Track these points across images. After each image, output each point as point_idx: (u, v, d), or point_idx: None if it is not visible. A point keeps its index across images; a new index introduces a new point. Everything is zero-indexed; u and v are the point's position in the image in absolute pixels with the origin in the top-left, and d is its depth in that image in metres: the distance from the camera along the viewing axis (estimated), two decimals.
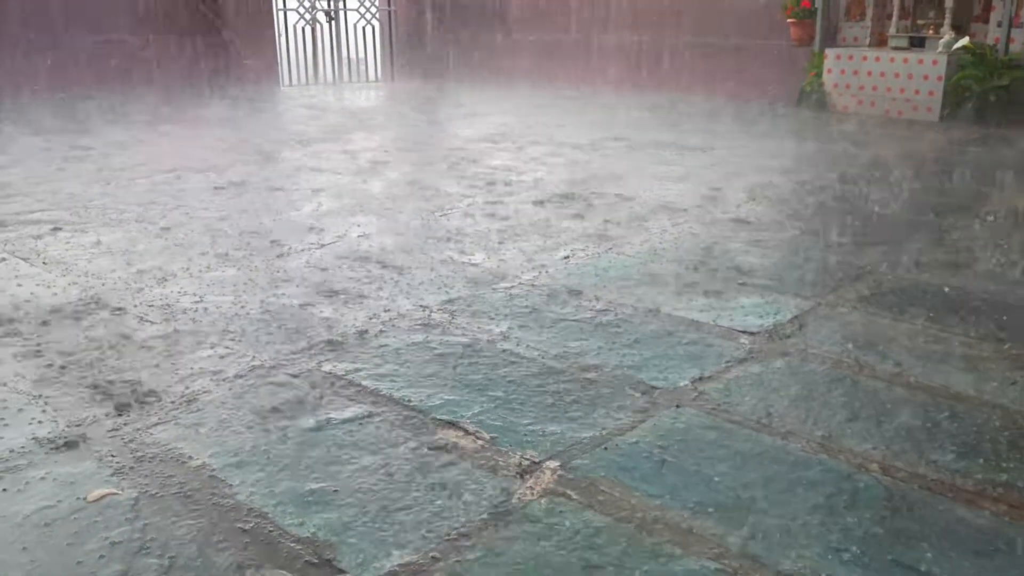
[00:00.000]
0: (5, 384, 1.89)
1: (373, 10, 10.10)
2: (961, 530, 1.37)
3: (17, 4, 7.69)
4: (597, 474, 1.52)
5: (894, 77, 6.64)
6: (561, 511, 1.41)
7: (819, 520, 1.39)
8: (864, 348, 2.11)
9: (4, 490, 1.48)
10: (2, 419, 1.73)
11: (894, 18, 6.92)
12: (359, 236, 3.16)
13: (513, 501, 1.45)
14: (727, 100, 7.73)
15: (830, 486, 1.49)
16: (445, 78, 10.16)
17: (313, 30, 9.68)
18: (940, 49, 6.48)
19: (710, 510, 1.42)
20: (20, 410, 1.77)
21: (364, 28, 10.07)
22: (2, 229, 3.25)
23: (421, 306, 2.41)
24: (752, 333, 2.20)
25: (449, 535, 1.35)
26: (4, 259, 2.86)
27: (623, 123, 6.42)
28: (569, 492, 1.47)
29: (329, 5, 9.76)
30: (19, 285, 2.59)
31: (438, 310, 2.38)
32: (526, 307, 2.40)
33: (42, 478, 1.52)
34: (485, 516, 1.40)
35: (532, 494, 1.46)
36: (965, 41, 6.43)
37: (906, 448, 1.63)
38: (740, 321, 2.29)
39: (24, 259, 2.86)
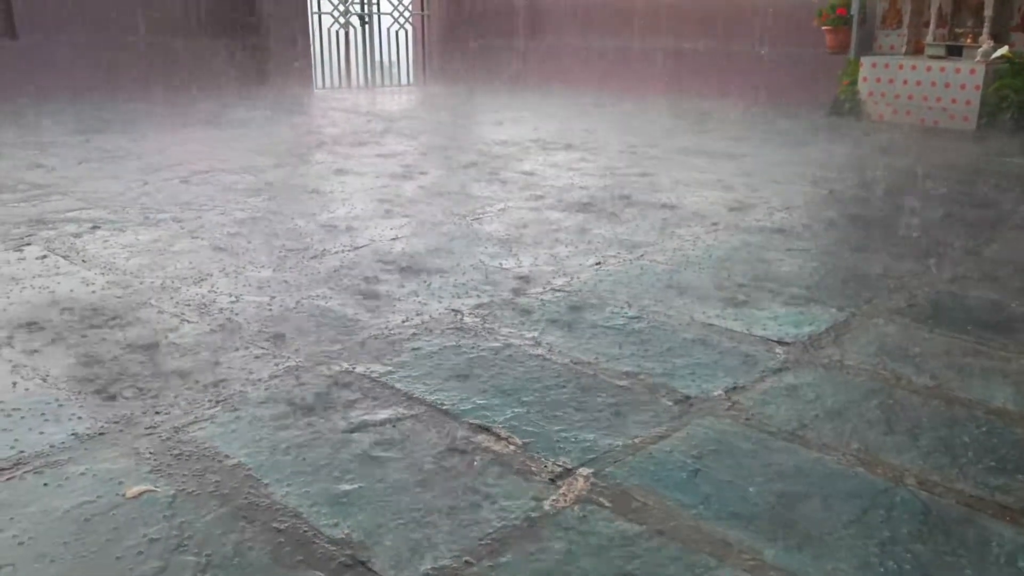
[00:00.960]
0: (45, 380, 1.93)
1: (406, 14, 10.15)
2: (1001, 548, 1.35)
3: (51, 6, 7.83)
4: (631, 482, 1.52)
5: (931, 86, 6.56)
6: (594, 519, 1.41)
7: (855, 534, 1.37)
8: (900, 360, 2.09)
9: (45, 484, 1.50)
10: (43, 415, 1.76)
11: (931, 26, 6.84)
12: (392, 239, 3.18)
13: (546, 508, 1.45)
14: (759, 107, 7.68)
15: (866, 499, 1.47)
16: (477, 83, 10.19)
17: (347, 34, 9.75)
18: (978, 58, 6.40)
19: (745, 521, 1.41)
20: (60, 405, 1.80)
21: (397, 32, 10.13)
22: (43, 227, 3.30)
23: (453, 310, 2.42)
24: (786, 343, 2.19)
25: (483, 540, 1.35)
26: (45, 256, 2.91)
27: (655, 129, 6.41)
28: (602, 500, 1.47)
29: (363, 9, 9.83)
30: (59, 282, 2.63)
31: (470, 314, 2.39)
32: (557, 313, 2.40)
33: (82, 473, 1.54)
34: (518, 522, 1.40)
35: (565, 501, 1.46)
36: (1004, 50, 6.35)
37: (944, 463, 1.61)
38: (774, 330, 2.27)
39: (64, 256, 2.91)
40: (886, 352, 2.14)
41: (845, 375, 2.00)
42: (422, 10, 10.37)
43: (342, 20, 9.66)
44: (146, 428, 1.71)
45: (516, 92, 9.31)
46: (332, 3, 9.55)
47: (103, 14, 8.09)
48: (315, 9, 9.42)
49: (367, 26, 9.91)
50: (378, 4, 9.91)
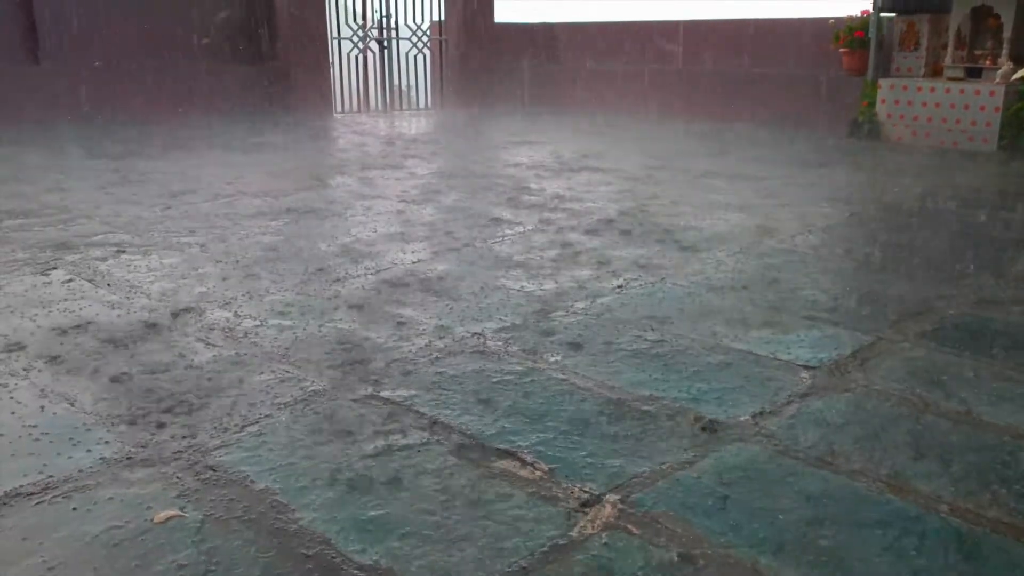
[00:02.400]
0: (73, 404, 1.94)
1: (424, 39, 10.24)
2: None
3: (74, 31, 7.95)
4: (659, 509, 1.51)
5: (950, 108, 6.54)
6: (622, 546, 1.40)
7: (888, 562, 1.36)
8: (928, 385, 2.07)
9: (74, 509, 1.51)
10: (71, 439, 1.77)
11: (949, 48, 6.83)
12: (413, 262, 3.19)
13: (573, 535, 1.44)
14: (778, 129, 7.68)
15: (898, 526, 1.46)
16: (494, 106, 10.25)
17: (365, 58, 9.84)
18: (997, 80, 6.38)
19: (775, 548, 1.39)
20: (88, 430, 1.81)
21: (415, 57, 10.22)
22: (68, 251, 3.34)
23: (476, 334, 2.42)
24: (812, 367, 2.17)
25: (509, 568, 1.34)
26: (71, 280, 2.94)
27: (673, 151, 6.41)
28: (630, 527, 1.46)
29: (381, 34, 9.93)
30: (85, 306, 2.65)
31: (493, 338, 2.39)
32: (580, 336, 2.40)
33: (110, 498, 1.55)
34: (546, 549, 1.40)
35: (592, 528, 1.45)
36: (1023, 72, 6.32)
37: (975, 489, 1.59)
38: (800, 354, 2.26)
39: (89, 280, 2.93)
40: (913, 376, 2.12)
41: (872, 400, 1.98)
42: (440, 35, 10.46)
43: (361, 45, 9.76)
44: (173, 453, 1.71)
45: (533, 115, 9.35)
46: (351, 28, 9.66)
47: (124, 40, 8.21)
48: (335, 34, 9.53)
49: (386, 51, 10.01)
50: (396, 29, 10.01)
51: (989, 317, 2.59)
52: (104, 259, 3.22)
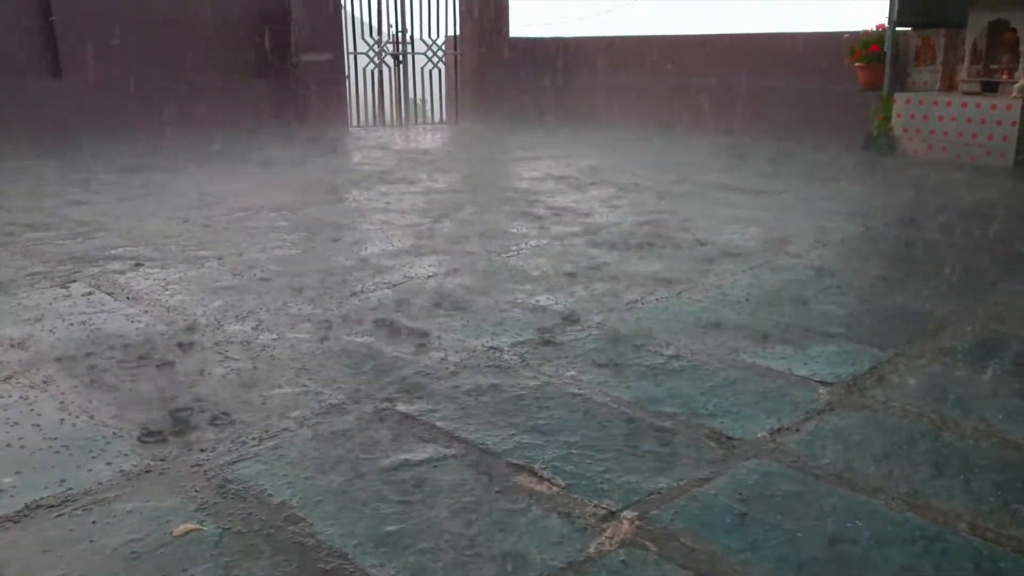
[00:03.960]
0: (92, 417, 1.95)
1: (440, 54, 10.30)
2: None
3: (93, 45, 8.04)
4: (676, 526, 1.51)
5: (966, 122, 6.51)
6: (640, 564, 1.40)
7: None
8: (947, 402, 2.05)
9: (94, 522, 1.52)
10: (90, 451, 1.79)
11: (965, 62, 6.81)
12: (428, 276, 3.20)
13: (590, 551, 1.43)
14: (793, 143, 7.67)
15: (918, 545, 1.45)
16: (509, 121, 10.29)
17: (381, 73, 9.90)
18: (1014, 94, 6.35)
19: (795, 567, 1.39)
20: (108, 443, 1.82)
21: (431, 71, 10.27)
22: (87, 264, 3.37)
23: (491, 348, 2.42)
24: (829, 384, 2.16)
25: None
26: (90, 293, 2.96)
27: (688, 165, 6.41)
28: (647, 544, 1.45)
29: (397, 49, 9.99)
30: (104, 319, 2.68)
31: (508, 352, 2.39)
32: (596, 351, 2.40)
33: (129, 511, 1.55)
34: (562, 566, 1.39)
35: (610, 545, 1.45)
36: None
37: (995, 507, 1.58)
38: (816, 370, 2.25)
39: (109, 294, 2.96)
40: (931, 393, 2.11)
41: (890, 416, 1.97)
42: (455, 50, 10.51)
43: (377, 60, 9.82)
44: (192, 466, 1.72)
45: (548, 129, 9.38)
46: (367, 43, 9.72)
47: (143, 53, 8.30)
48: (351, 49, 9.59)
49: (401, 66, 10.06)
50: (412, 44, 10.06)
51: (1008, 333, 2.58)
52: (123, 272, 3.25)
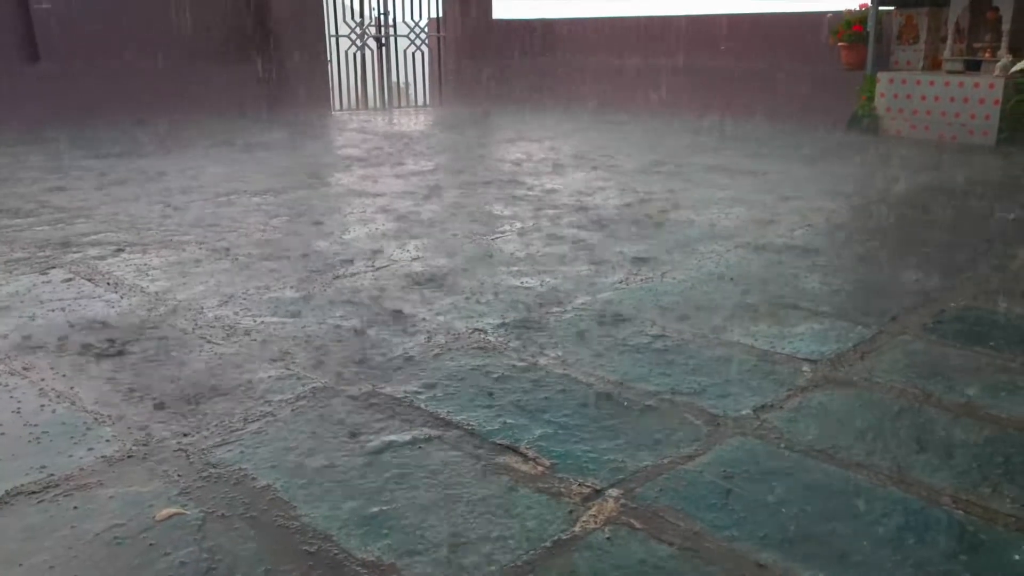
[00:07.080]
0: (74, 403, 1.94)
1: (423, 36, 10.23)
2: None
3: (71, 30, 7.94)
4: (661, 503, 1.51)
5: (949, 101, 6.53)
6: (625, 541, 1.40)
7: (891, 554, 1.35)
8: (930, 378, 2.06)
9: (76, 508, 1.50)
10: (71, 438, 1.77)
11: (948, 41, 6.83)
12: (413, 259, 3.18)
13: (576, 529, 1.43)
14: (777, 124, 7.67)
15: (901, 519, 1.45)
16: (493, 103, 10.24)
17: (363, 56, 9.83)
18: (997, 72, 6.37)
19: (779, 543, 1.39)
20: (89, 428, 1.81)
21: (413, 54, 10.21)
22: (68, 250, 3.33)
23: (476, 329, 2.42)
24: (813, 361, 2.17)
25: (514, 563, 1.34)
26: (70, 279, 2.93)
27: (673, 147, 6.41)
28: (633, 521, 1.45)
29: (379, 31, 9.91)
30: (84, 305, 2.65)
31: (493, 333, 2.38)
32: (581, 331, 2.40)
33: (111, 496, 1.54)
34: (548, 544, 1.39)
35: (595, 523, 1.45)
36: (1023, 64, 6.31)
37: (978, 481, 1.58)
38: (801, 348, 2.26)
39: (88, 279, 2.93)
40: (914, 369, 2.12)
41: (874, 393, 1.98)
42: (438, 32, 10.45)
43: (359, 43, 9.74)
44: (174, 451, 1.71)
45: (533, 111, 9.34)
46: (349, 26, 9.64)
47: (123, 39, 8.20)
48: (332, 32, 9.51)
49: (384, 48, 9.99)
50: (395, 26, 9.99)
51: (990, 309, 2.59)
52: (103, 258, 3.22)
